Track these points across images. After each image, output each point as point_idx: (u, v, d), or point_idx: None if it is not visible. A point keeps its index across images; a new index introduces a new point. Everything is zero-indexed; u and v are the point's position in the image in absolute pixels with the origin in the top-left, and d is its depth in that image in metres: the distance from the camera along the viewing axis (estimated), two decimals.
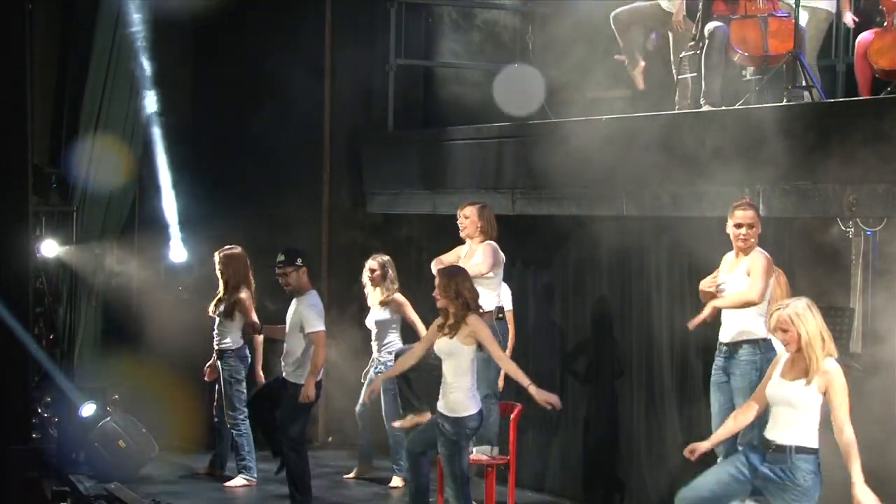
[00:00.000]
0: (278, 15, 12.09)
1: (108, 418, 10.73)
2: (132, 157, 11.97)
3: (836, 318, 8.45)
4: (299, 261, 9.24)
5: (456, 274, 8.12)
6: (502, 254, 9.16)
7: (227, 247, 10.37)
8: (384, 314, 10.26)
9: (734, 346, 7.65)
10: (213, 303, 10.34)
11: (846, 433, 6.52)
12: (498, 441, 9.11)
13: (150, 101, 12.03)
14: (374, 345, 10.36)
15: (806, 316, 6.59)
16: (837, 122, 7.90)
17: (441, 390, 8.04)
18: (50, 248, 11.66)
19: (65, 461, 10.71)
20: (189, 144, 12.74)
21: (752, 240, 7.66)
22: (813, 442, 6.66)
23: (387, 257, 10.34)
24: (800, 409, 6.61)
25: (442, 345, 8.04)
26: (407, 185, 11.41)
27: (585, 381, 9.99)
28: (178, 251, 12.07)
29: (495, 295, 9.07)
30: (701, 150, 8.67)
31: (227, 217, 11.83)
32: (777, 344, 7.18)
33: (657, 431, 9.33)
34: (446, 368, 8.03)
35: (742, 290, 7.61)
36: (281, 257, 9.28)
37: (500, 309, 9.12)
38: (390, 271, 10.24)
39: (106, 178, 11.94)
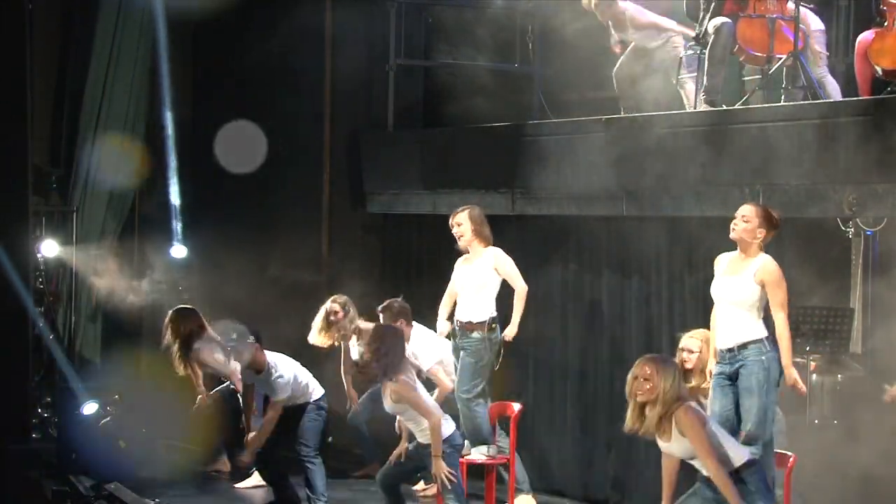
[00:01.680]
0: (278, 15, 12.09)
1: (108, 418, 10.73)
2: (141, 155, 12.00)
3: (836, 318, 8.46)
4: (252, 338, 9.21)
5: (388, 335, 8.04)
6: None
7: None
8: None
9: (739, 349, 7.59)
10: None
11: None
12: (495, 440, 9.12)
13: (151, 102, 12.06)
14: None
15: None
16: (837, 122, 7.90)
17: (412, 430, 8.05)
18: (50, 248, 11.68)
19: (65, 461, 10.70)
20: (189, 145, 12.76)
21: (743, 235, 7.55)
22: None
23: (345, 297, 9.87)
24: None
25: (388, 407, 8.02)
26: (407, 185, 11.41)
27: (585, 381, 9.98)
28: (178, 249, 12.08)
29: (492, 304, 9.07)
30: (701, 150, 8.67)
31: (226, 217, 11.83)
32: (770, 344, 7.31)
33: None
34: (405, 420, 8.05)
35: (785, 333, 7.51)
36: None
37: (494, 319, 9.07)
38: (351, 310, 9.75)
39: (107, 178, 11.97)
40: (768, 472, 7.47)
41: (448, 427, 7.96)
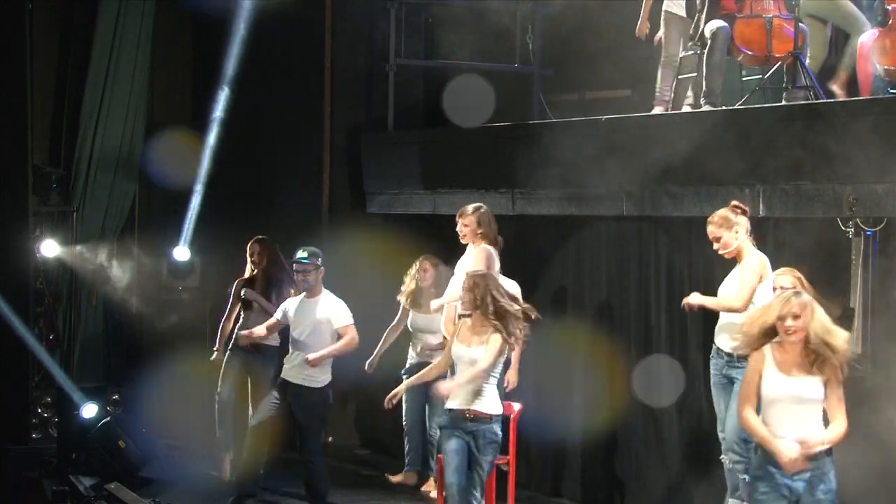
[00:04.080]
0: (278, 15, 12.09)
1: (108, 418, 10.73)
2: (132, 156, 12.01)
3: (836, 318, 8.45)
4: (320, 261, 9.10)
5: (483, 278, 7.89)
6: (497, 260, 9.10)
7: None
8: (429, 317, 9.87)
9: (738, 357, 7.63)
10: None
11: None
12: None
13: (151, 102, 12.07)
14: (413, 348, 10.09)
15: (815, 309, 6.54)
16: (837, 122, 7.90)
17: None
18: (50, 248, 11.68)
19: (65, 461, 10.70)
20: (189, 144, 12.76)
21: (727, 250, 7.69)
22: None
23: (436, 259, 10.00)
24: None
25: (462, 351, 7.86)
26: (407, 185, 11.41)
27: (585, 380, 9.98)
28: (180, 251, 12.08)
29: None
30: (701, 150, 8.68)
31: (227, 217, 11.83)
32: None
33: (657, 431, 9.32)
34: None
35: (728, 296, 7.64)
36: (303, 255, 9.07)
37: None
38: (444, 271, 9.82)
39: (107, 178, 11.98)
40: None
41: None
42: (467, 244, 9.24)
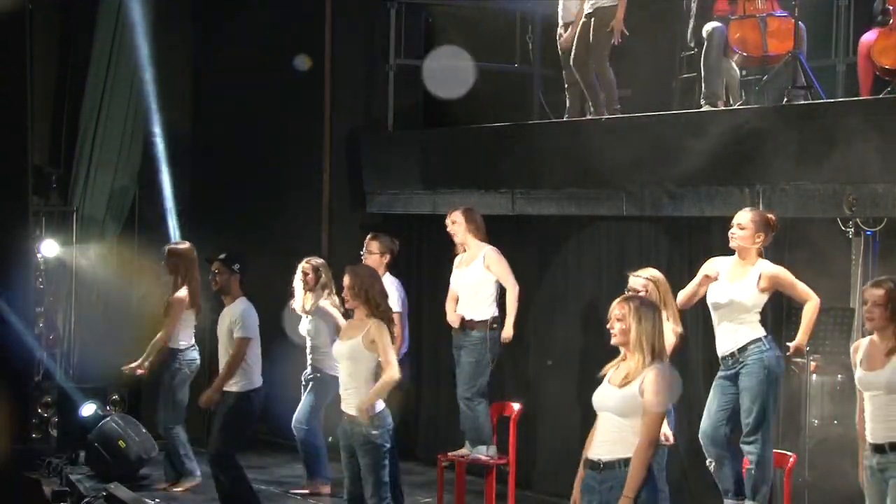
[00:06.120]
0: (278, 15, 12.09)
1: (108, 418, 10.72)
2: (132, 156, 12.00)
3: (836, 318, 8.45)
4: (237, 266, 9.05)
5: (365, 275, 7.74)
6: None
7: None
8: (311, 323, 9.72)
9: (739, 352, 7.61)
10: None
11: None
12: (496, 441, 9.12)
13: (151, 102, 12.06)
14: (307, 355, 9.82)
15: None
16: (837, 122, 7.90)
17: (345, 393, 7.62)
18: (50, 248, 11.67)
19: (65, 461, 10.70)
20: (189, 145, 12.76)
21: (741, 243, 7.58)
22: None
23: (321, 261, 9.86)
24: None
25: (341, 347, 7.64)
26: (407, 185, 11.40)
27: (585, 381, 9.98)
28: None
29: (492, 303, 9.05)
30: (701, 150, 8.67)
31: (226, 217, 11.83)
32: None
33: None
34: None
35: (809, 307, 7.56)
36: (221, 255, 9.05)
37: (496, 318, 9.04)
38: (323, 276, 9.73)
39: (107, 178, 11.96)
40: (767, 471, 7.51)
41: None
42: (462, 248, 9.21)
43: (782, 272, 7.52)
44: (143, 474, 10.59)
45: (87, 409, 10.95)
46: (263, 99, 12.09)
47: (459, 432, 9.27)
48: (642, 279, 7.65)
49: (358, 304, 7.58)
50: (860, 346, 6.65)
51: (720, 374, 7.67)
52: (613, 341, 6.08)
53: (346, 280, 7.64)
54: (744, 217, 7.55)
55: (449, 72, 11.07)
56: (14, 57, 11.06)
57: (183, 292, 9.94)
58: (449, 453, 9.24)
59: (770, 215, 7.59)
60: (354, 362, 7.50)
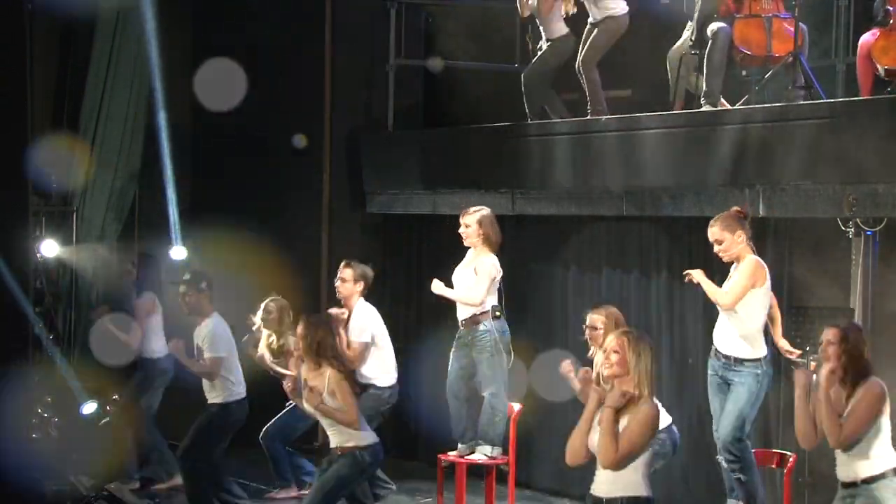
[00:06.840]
0: (278, 15, 12.09)
1: (108, 418, 10.72)
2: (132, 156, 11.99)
3: (835, 318, 8.45)
4: (204, 285, 9.15)
5: (318, 326, 7.87)
6: (498, 266, 8.98)
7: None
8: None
9: (735, 362, 7.65)
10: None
11: None
12: (500, 441, 9.08)
13: (151, 102, 12.05)
14: None
15: None
16: (837, 122, 7.90)
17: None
18: (50, 248, 11.66)
19: (65, 461, 10.70)
20: (189, 145, 12.75)
21: (728, 254, 7.70)
22: None
23: (285, 301, 9.69)
24: None
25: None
26: (407, 185, 11.41)
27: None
28: (177, 250, 12.06)
29: (488, 296, 8.99)
30: (701, 149, 8.68)
31: (226, 217, 11.81)
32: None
33: None
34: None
35: (721, 290, 7.65)
36: (185, 276, 9.19)
37: (497, 307, 8.98)
38: (287, 318, 9.57)
39: (107, 178, 11.95)
40: (752, 474, 7.56)
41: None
42: (468, 247, 9.18)
43: (743, 269, 7.67)
44: (144, 474, 10.59)
45: (88, 409, 10.95)
46: (263, 98, 12.08)
47: (459, 432, 9.14)
48: (601, 316, 7.75)
49: (309, 357, 7.79)
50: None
51: (711, 367, 7.79)
52: (606, 374, 6.04)
53: (300, 330, 7.86)
54: (712, 233, 7.76)
55: (219, 84, 11.40)
56: (14, 57, 11.04)
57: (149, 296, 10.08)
58: (449, 453, 9.22)
59: (734, 211, 7.78)
60: (323, 414, 7.77)
